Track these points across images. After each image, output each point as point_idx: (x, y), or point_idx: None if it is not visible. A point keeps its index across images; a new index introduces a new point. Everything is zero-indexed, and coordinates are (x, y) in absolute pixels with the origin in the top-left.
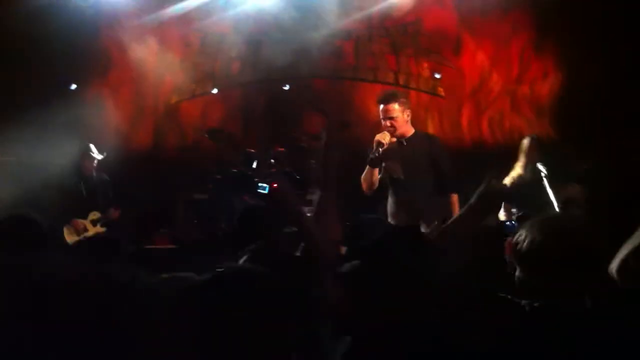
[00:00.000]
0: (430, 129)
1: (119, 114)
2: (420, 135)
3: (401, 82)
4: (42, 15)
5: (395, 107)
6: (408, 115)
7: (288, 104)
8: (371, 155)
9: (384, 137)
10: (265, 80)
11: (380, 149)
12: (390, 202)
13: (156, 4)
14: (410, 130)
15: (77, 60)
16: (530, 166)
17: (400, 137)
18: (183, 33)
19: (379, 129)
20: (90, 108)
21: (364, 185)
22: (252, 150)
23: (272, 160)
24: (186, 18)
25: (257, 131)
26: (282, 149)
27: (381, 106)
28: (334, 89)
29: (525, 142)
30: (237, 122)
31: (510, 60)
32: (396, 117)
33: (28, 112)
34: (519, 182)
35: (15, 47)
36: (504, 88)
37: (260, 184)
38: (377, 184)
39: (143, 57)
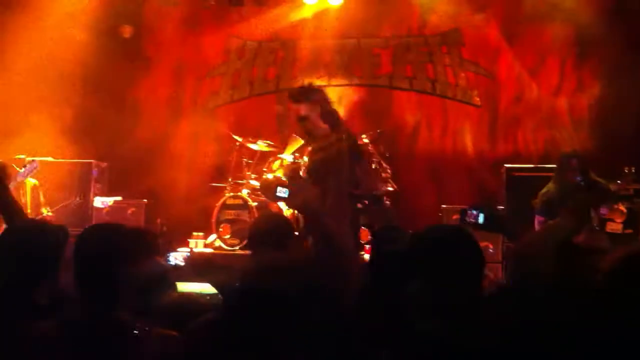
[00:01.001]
0: (467, 139)
1: (157, 118)
2: (329, 137)
3: (438, 91)
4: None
5: (303, 106)
6: (323, 112)
7: None
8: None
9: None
10: (301, 87)
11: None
12: None
13: (197, 9)
14: (324, 128)
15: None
16: (565, 180)
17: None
18: (221, 38)
19: (415, 137)
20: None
21: None
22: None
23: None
24: (225, 24)
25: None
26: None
27: (291, 105)
28: (370, 97)
29: (563, 155)
30: (273, 127)
31: (550, 71)
32: (307, 116)
33: None
34: (552, 195)
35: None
36: (542, 99)
37: (279, 188)
38: None
39: (182, 61)
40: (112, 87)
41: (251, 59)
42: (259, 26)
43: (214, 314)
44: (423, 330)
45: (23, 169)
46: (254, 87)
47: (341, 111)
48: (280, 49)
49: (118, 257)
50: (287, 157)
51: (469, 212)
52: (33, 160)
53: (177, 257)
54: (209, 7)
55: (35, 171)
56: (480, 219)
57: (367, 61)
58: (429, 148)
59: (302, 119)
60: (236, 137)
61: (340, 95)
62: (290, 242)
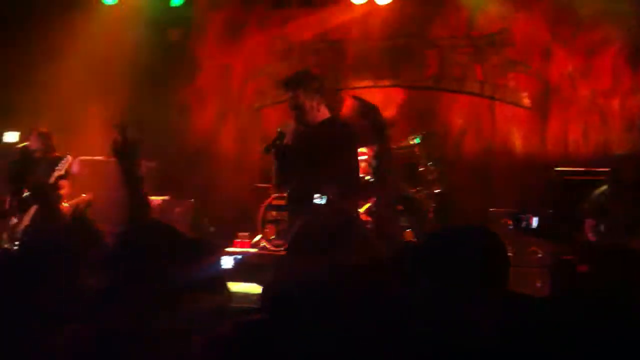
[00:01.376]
0: (516, 142)
1: (204, 118)
2: (326, 125)
3: (486, 92)
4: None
5: (300, 94)
6: (318, 102)
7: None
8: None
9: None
10: (347, 89)
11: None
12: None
13: (243, 11)
14: (319, 119)
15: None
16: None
17: (307, 127)
18: (267, 39)
19: (463, 139)
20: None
21: (275, 181)
22: None
23: None
24: (271, 25)
25: None
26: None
27: (286, 92)
28: (417, 99)
29: (617, 157)
30: None
31: (601, 72)
32: (302, 104)
33: None
34: (604, 199)
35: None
36: (593, 101)
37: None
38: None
39: (228, 62)
40: (162, 88)
41: (297, 60)
42: (305, 27)
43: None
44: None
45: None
46: None
47: (387, 113)
48: (327, 50)
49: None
50: None
51: (523, 216)
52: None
53: (228, 260)
54: (255, 9)
55: (66, 166)
56: (534, 223)
57: (414, 62)
58: (477, 150)
59: (298, 108)
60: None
61: (386, 97)
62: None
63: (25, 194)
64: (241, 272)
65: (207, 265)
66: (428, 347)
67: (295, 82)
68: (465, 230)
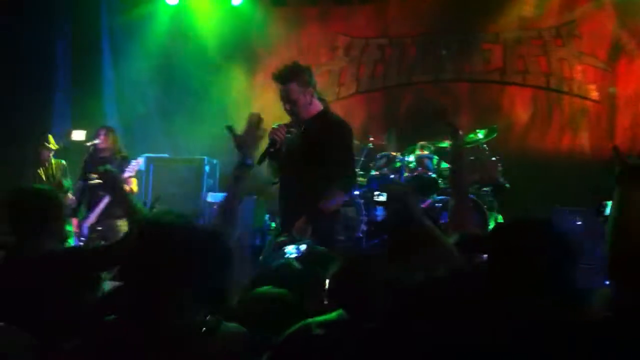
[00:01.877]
0: (582, 136)
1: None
2: (320, 119)
3: (552, 85)
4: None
5: (294, 87)
6: (310, 93)
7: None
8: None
9: (278, 134)
10: (409, 84)
11: (272, 150)
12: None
13: (304, 7)
14: (312, 113)
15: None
16: None
17: (300, 123)
18: (328, 36)
19: (529, 134)
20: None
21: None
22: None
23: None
24: (332, 21)
25: (400, 134)
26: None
27: (278, 86)
28: (480, 93)
29: None
30: (380, 124)
31: None
32: (296, 99)
33: None
34: None
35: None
36: None
37: (377, 192)
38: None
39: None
40: (224, 87)
41: (358, 56)
42: (366, 23)
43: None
44: None
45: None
46: (361, 84)
47: (450, 107)
48: (388, 46)
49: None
50: (394, 154)
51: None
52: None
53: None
54: (316, 5)
55: (137, 168)
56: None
57: (477, 56)
58: (543, 145)
59: (292, 102)
60: None
61: (447, 91)
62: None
63: (95, 181)
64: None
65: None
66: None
67: (287, 75)
68: (534, 222)
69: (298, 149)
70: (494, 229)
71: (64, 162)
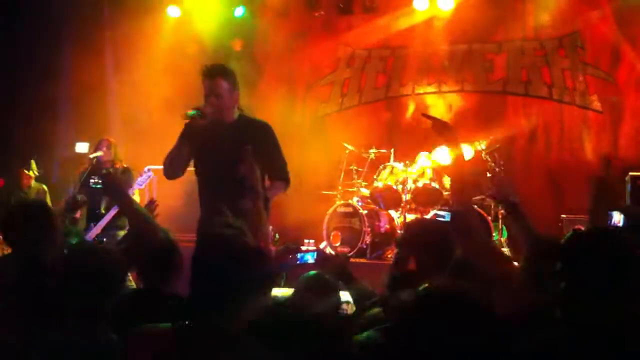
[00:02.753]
0: (585, 146)
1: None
2: (248, 120)
3: (555, 96)
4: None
5: (224, 84)
6: (236, 98)
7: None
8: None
9: (206, 107)
10: (411, 95)
11: (198, 120)
12: (202, 194)
13: (306, 19)
14: (233, 116)
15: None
16: None
17: (222, 122)
18: (331, 46)
19: (532, 145)
20: None
21: (166, 163)
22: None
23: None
24: (335, 32)
25: (403, 144)
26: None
27: (206, 80)
28: (483, 103)
29: None
30: (383, 135)
31: None
32: (223, 95)
33: None
34: None
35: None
36: None
37: (439, 213)
38: (181, 166)
39: (292, 70)
40: None
41: (360, 67)
42: (368, 34)
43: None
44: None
45: (140, 177)
46: (363, 95)
47: (452, 118)
48: (390, 57)
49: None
50: (397, 165)
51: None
52: (149, 170)
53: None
54: (318, 17)
55: (150, 180)
56: (622, 221)
57: (480, 67)
58: (547, 155)
59: (218, 95)
60: (346, 145)
61: (450, 102)
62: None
63: (95, 184)
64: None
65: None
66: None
67: (218, 71)
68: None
69: (233, 146)
70: (573, 237)
71: (44, 186)
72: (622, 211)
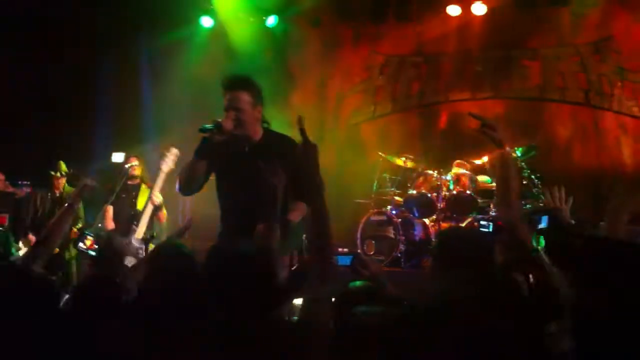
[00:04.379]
0: (624, 153)
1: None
2: (275, 137)
3: (592, 102)
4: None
5: (245, 97)
6: (259, 113)
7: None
8: (202, 141)
9: (226, 122)
10: (445, 102)
11: (216, 135)
12: (222, 210)
13: (339, 27)
14: (259, 133)
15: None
16: None
17: (245, 138)
18: (363, 55)
19: (569, 151)
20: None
21: (181, 179)
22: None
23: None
24: (367, 40)
25: (435, 152)
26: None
27: (227, 93)
28: (518, 110)
29: None
30: (416, 143)
31: None
32: (244, 110)
33: None
34: None
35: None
36: None
37: (483, 223)
38: (198, 183)
39: (325, 78)
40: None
41: (394, 75)
42: (401, 41)
43: None
44: None
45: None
46: (397, 102)
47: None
48: (424, 63)
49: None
50: (431, 172)
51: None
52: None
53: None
54: (351, 25)
55: (176, 158)
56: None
57: (515, 73)
58: (585, 162)
59: (239, 110)
60: (380, 153)
61: (484, 109)
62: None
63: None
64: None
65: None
66: None
67: (240, 83)
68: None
69: (259, 165)
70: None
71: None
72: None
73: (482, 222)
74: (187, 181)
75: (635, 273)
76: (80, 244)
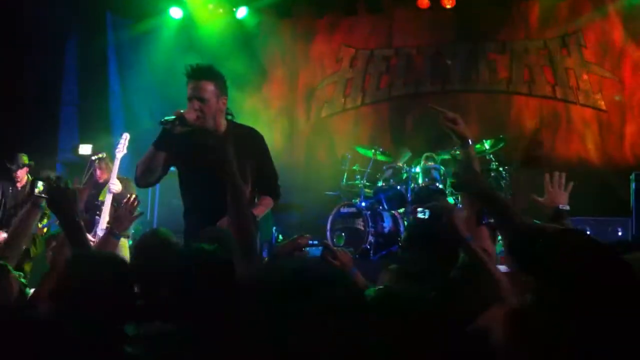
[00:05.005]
0: (590, 145)
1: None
2: (239, 129)
3: (559, 95)
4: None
5: (209, 87)
6: (224, 104)
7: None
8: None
9: (188, 113)
10: (415, 94)
11: (178, 125)
12: (186, 205)
13: (310, 19)
14: (223, 125)
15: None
16: None
17: (209, 129)
18: (334, 47)
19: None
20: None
21: (138, 170)
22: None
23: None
24: (338, 33)
25: (407, 145)
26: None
27: (191, 82)
28: (488, 103)
29: None
30: (386, 135)
31: None
32: (208, 100)
33: None
34: None
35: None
36: None
37: (420, 209)
38: (156, 174)
39: (295, 71)
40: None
41: (363, 68)
42: (372, 34)
43: None
44: None
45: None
46: (367, 95)
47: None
48: (394, 57)
49: None
50: (400, 165)
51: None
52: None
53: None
54: (322, 17)
55: (125, 141)
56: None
57: (484, 66)
58: (550, 154)
59: (203, 100)
60: (350, 146)
61: (455, 102)
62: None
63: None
64: None
65: None
66: None
67: (205, 72)
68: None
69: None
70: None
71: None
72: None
73: (418, 209)
74: (144, 172)
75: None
76: (36, 190)
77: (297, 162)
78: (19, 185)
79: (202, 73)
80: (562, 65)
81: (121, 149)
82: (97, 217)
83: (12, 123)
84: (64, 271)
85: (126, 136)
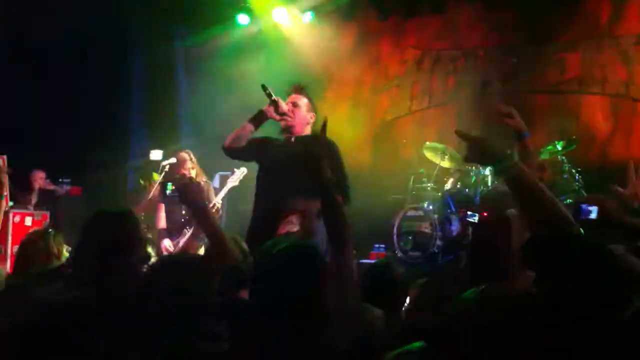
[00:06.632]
0: None
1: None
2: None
3: (632, 94)
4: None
5: (304, 100)
6: (312, 118)
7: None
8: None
9: (284, 105)
10: (482, 95)
11: (272, 112)
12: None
13: (374, 22)
14: (306, 133)
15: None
16: None
17: (291, 133)
18: (399, 49)
19: (609, 145)
20: None
21: (228, 137)
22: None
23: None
24: (403, 35)
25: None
26: None
27: (291, 94)
28: (556, 103)
29: None
30: (453, 138)
31: None
32: (301, 107)
33: None
34: None
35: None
36: None
37: (469, 212)
38: (240, 144)
39: (360, 74)
40: None
41: (430, 69)
42: (437, 35)
43: None
44: None
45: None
46: (433, 97)
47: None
48: (461, 57)
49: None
50: (468, 168)
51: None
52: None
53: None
54: (388, 19)
55: (242, 176)
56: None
57: (553, 65)
58: (625, 155)
59: (297, 107)
60: (417, 149)
61: (522, 102)
62: None
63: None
64: None
65: None
66: None
67: (305, 90)
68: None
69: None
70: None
71: None
72: None
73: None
74: (234, 138)
75: None
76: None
77: (362, 165)
78: None
79: (301, 89)
80: (637, 64)
81: (234, 180)
82: (185, 230)
83: (86, 132)
84: None
85: (243, 171)
